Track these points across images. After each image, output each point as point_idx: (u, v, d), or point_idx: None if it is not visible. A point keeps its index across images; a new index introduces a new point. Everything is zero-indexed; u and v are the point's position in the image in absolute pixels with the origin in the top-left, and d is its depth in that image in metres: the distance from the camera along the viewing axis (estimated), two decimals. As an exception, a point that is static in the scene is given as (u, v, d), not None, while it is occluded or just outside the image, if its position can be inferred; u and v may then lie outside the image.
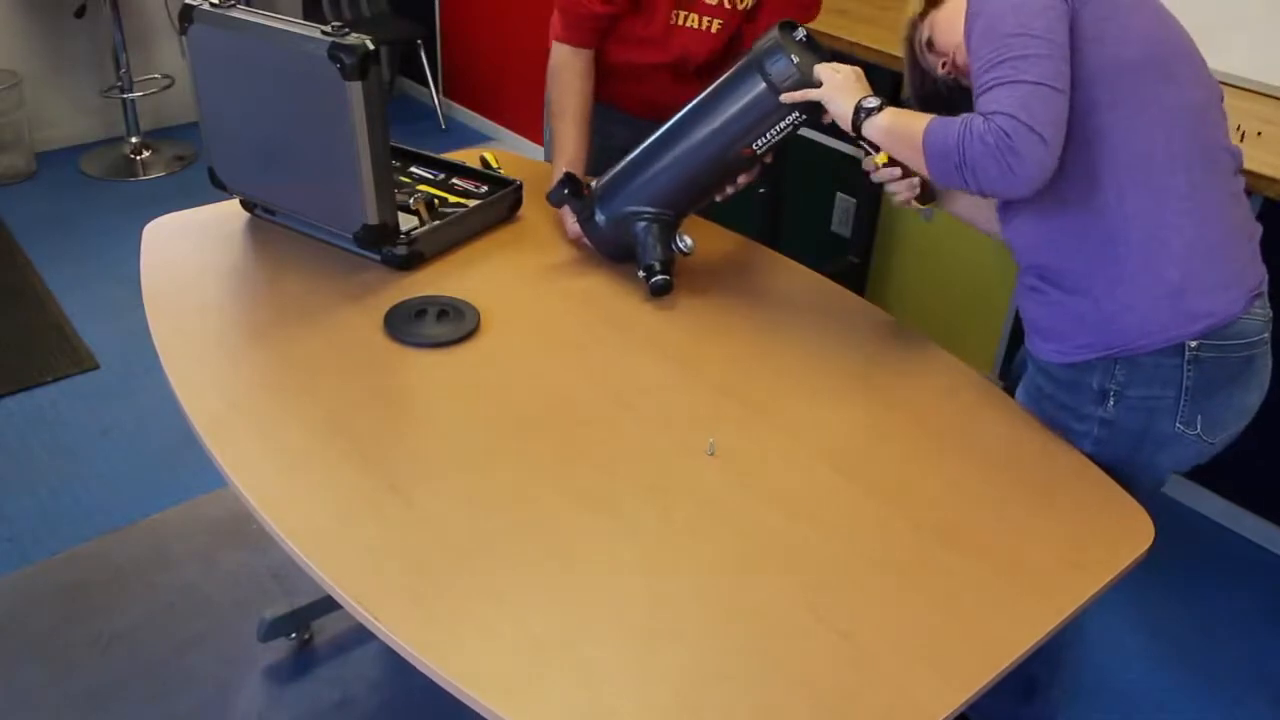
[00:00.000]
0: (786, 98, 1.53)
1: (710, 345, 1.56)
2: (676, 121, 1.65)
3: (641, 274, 1.65)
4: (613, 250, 1.72)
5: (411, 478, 1.26)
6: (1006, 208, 1.44)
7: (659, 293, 1.64)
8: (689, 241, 1.67)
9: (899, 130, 1.40)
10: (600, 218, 1.70)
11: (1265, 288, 1.39)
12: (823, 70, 1.51)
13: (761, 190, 3.04)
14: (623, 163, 1.71)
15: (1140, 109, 1.30)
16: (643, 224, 1.66)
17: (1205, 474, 2.58)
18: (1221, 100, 1.40)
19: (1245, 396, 1.38)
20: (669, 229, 1.67)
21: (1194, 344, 1.31)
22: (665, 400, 1.43)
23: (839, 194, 3.21)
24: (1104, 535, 1.25)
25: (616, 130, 2.03)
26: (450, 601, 1.10)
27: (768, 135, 1.58)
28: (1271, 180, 1.89)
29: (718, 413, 1.41)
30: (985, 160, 1.24)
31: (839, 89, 1.48)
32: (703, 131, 1.61)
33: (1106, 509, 1.29)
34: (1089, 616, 1.17)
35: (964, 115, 1.29)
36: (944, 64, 1.48)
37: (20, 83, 3.98)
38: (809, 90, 1.51)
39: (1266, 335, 1.37)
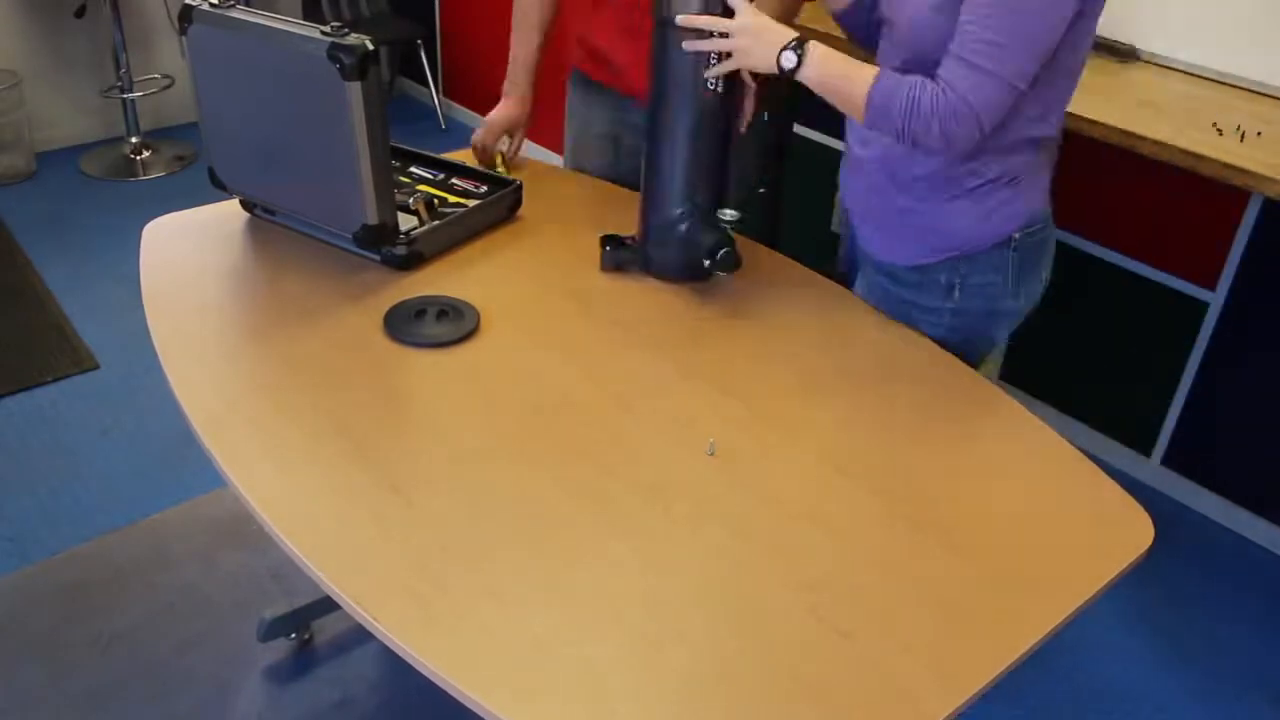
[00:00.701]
0: (682, 20, 1.50)
1: (710, 345, 1.55)
2: (647, 127, 1.64)
3: (706, 264, 1.64)
4: (684, 269, 1.70)
5: (411, 478, 1.26)
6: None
7: (728, 267, 1.63)
8: (731, 213, 1.67)
9: (832, 88, 1.45)
10: (652, 254, 1.70)
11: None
12: (723, 22, 1.49)
13: (761, 190, 3.04)
14: (639, 199, 1.71)
15: (1071, 64, 1.45)
16: (682, 226, 1.65)
17: (1205, 474, 2.58)
18: None
19: (1046, 271, 1.64)
20: (708, 213, 1.66)
21: (1016, 235, 1.55)
22: (665, 400, 1.43)
23: (839, 194, 3.20)
24: (1104, 535, 1.25)
25: (595, 115, 2.06)
26: (450, 601, 1.10)
27: (708, 64, 1.54)
28: (1271, 180, 1.89)
29: (718, 412, 1.41)
30: (924, 135, 1.39)
31: (750, 42, 1.47)
32: (664, 111, 1.60)
33: (1106, 509, 1.29)
34: (1088, 616, 1.16)
35: (911, 80, 1.38)
36: None
37: (20, 83, 3.98)
38: (718, 42, 1.50)
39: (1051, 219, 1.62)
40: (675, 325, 1.60)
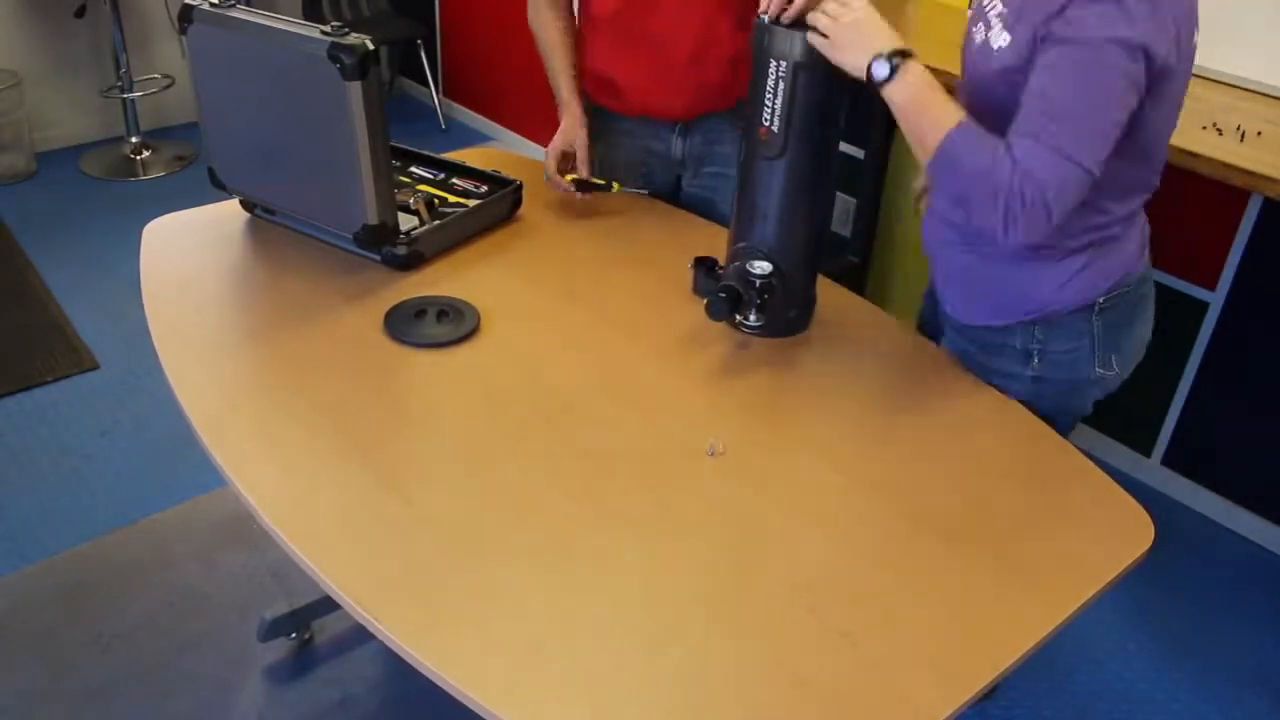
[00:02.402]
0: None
1: (710, 345, 1.55)
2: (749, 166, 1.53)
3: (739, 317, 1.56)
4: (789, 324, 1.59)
5: (411, 477, 1.26)
6: None
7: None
8: (763, 265, 1.55)
9: (913, 115, 1.30)
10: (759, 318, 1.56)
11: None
12: (820, 18, 1.35)
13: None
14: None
15: (1145, 142, 1.32)
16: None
17: (1205, 474, 2.58)
18: None
19: (1144, 329, 1.52)
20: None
21: (1101, 299, 1.42)
22: (665, 400, 1.43)
23: (839, 194, 3.21)
24: (1104, 535, 1.25)
25: (617, 143, 2.00)
26: (450, 602, 1.10)
27: (772, 98, 1.45)
28: (1271, 180, 1.89)
29: (717, 412, 1.41)
30: (988, 211, 1.24)
31: (852, 36, 1.33)
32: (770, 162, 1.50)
33: (1106, 509, 1.29)
34: (1088, 617, 1.16)
35: (994, 147, 1.23)
36: None
37: (20, 83, 3.98)
38: (812, 36, 1.37)
39: (1150, 269, 1.50)
40: (674, 325, 1.60)
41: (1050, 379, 1.47)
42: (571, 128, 1.92)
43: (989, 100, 1.32)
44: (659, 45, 1.83)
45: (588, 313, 1.61)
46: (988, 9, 1.37)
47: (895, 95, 1.30)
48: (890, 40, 1.31)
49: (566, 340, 1.54)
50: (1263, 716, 2.07)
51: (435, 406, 1.39)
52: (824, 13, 1.36)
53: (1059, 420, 1.47)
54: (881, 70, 1.30)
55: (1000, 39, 1.30)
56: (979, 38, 1.36)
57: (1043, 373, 1.47)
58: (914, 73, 1.30)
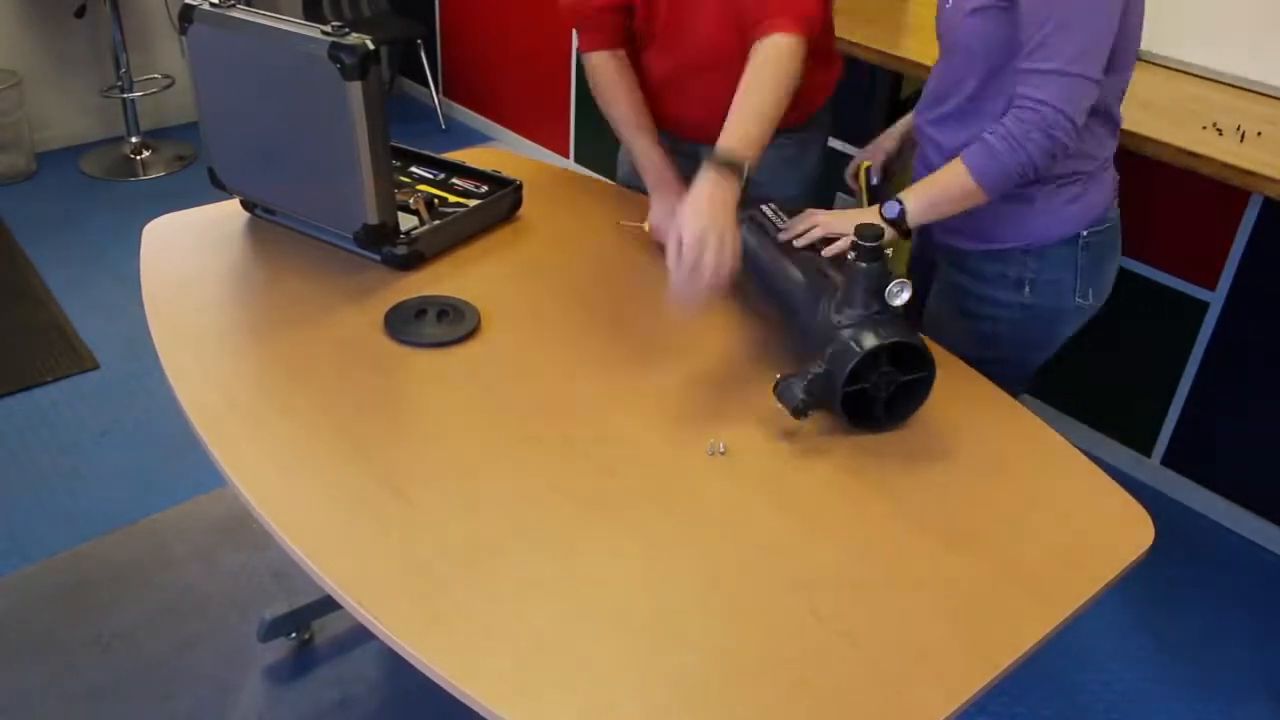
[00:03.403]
0: (797, 241, 1.55)
1: (710, 345, 1.55)
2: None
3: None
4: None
5: (411, 478, 1.26)
6: (964, 128, 1.58)
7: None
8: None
9: (939, 201, 1.51)
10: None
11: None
12: (802, 221, 1.56)
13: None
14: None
15: (1120, 68, 1.51)
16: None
17: (1205, 474, 2.58)
18: None
19: (1114, 265, 1.69)
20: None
21: (1084, 233, 1.60)
22: (665, 401, 1.43)
23: (839, 194, 3.21)
24: (1103, 535, 1.25)
25: (679, 167, 1.87)
26: (450, 601, 1.10)
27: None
28: (1271, 180, 1.89)
29: (718, 413, 1.41)
30: (1041, 157, 1.43)
31: (841, 219, 1.54)
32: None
33: (1106, 509, 1.29)
34: (1089, 616, 1.16)
35: (1000, 126, 1.44)
36: None
37: (20, 83, 3.98)
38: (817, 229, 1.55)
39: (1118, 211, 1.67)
40: (675, 325, 1.60)
41: (1037, 306, 1.64)
42: (671, 205, 1.68)
43: (970, 54, 1.51)
44: (712, 99, 1.71)
45: (587, 313, 1.61)
46: None
47: (914, 204, 1.52)
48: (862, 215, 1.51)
49: (566, 340, 1.54)
50: (1263, 716, 2.07)
51: (435, 406, 1.39)
52: (819, 225, 1.54)
53: (1041, 351, 1.70)
54: (891, 209, 1.53)
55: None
56: (949, 3, 1.56)
57: (1032, 301, 1.63)
58: (913, 194, 1.52)
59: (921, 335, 1.37)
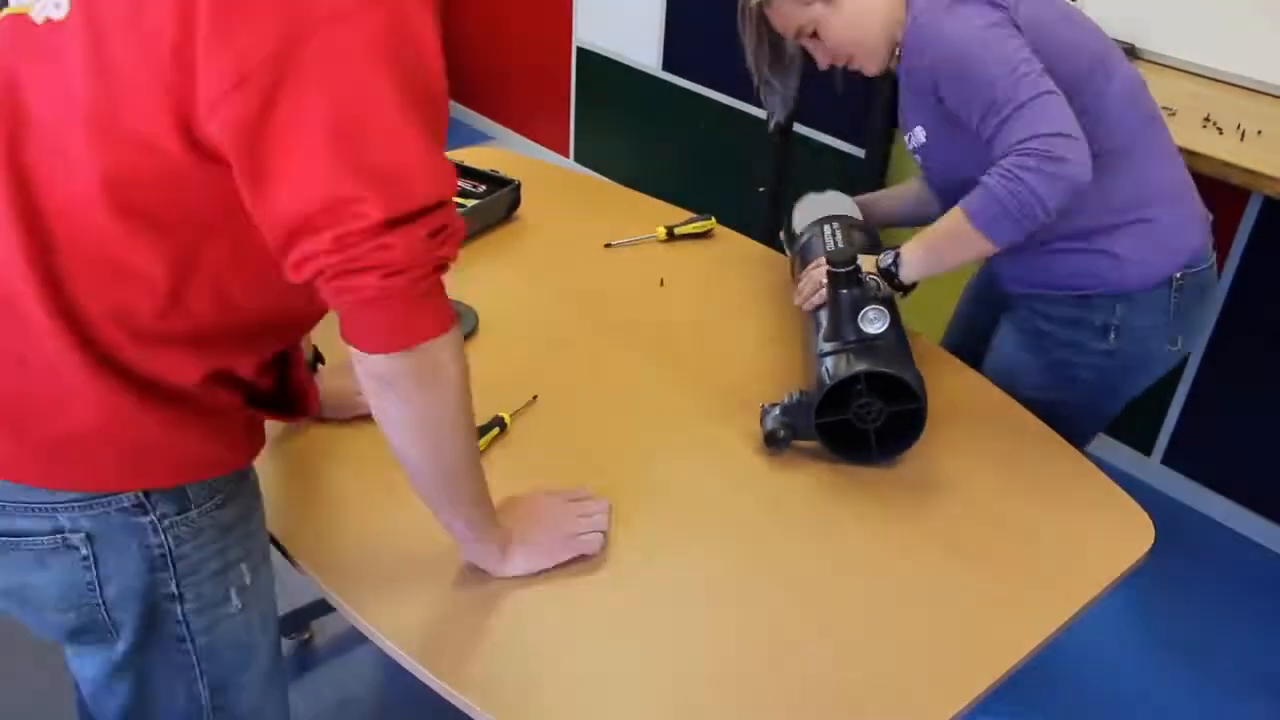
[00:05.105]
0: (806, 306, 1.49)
1: (711, 346, 1.55)
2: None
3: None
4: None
5: (408, 478, 1.25)
6: None
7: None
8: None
9: (938, 249, 1.42)
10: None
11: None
12: (806, 282, 1.48)
13: (762, 190, 3.04)
14: None
15: (1101, 110, 1.42)
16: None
17: (1205, 474, 2.58)
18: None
19: (1211, 308, 1.62)
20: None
21: (1179, 275, 1.49)
22: (665, 401, 1.43)
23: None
24: (1104, 537, 1.25)
25: None
26: (446, 606, 1.10)
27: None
28: (1272, 179, 1.89)
29: (718, 414, 1.40)
30: (1040, 187, 1.29)
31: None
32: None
33: (1106, 510, 1.29)
34: (1089, 617, 1.16)
35: (989, 176, 1.32)
36: (823, 53, 1.51)
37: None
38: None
39: (1214, 252, 1.58)
40: (675, 325, 1.60)
41: (1124, 353, 1.52)
42: None
43: (939, 164, 1.51)
44: None
45: (587, 312, 1.61)
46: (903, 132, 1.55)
47: (911, 255, 1.44)
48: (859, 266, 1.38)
49: (566, 340, 1.54)
50: (1264, 717, 2.07)
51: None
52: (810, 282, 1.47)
53: (1117, 397, 1.59)
54: (886, 258, 1.45)
55: (917, 138, 1.50)
56: (912, 144, 1.53)
57: (1118, 346, 1.51)
58: (909, 247, 1.44)
59: (917, 370, 1.31)
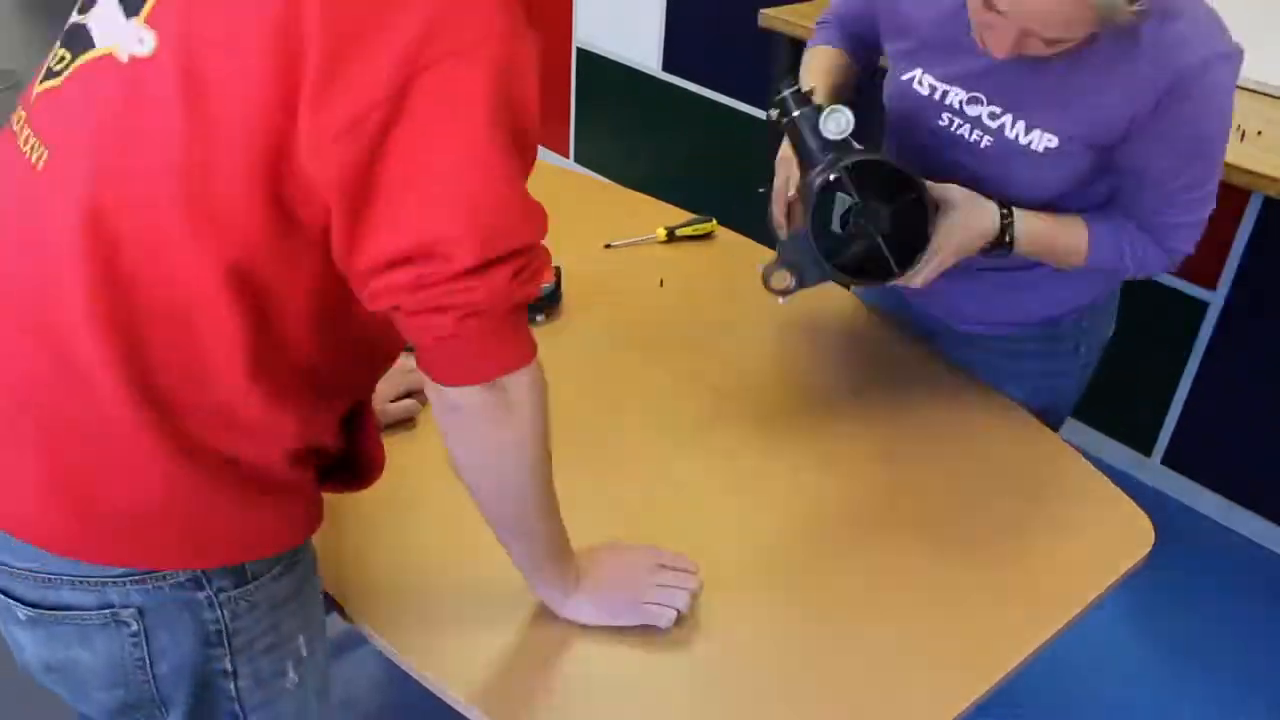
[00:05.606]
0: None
1: (711, 347, 1.55)
2: None
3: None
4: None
5: (408, 480, 1.25)
6: None
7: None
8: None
9: (1044, 246, 1.32)
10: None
11: None
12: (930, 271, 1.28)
13: (762, 190, 3.04)
14: None
15: None
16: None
17: (1205, 474, 2.57)
18: None
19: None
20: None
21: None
22: (664, 403, 1.42)
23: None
24: (1104, 539, 1.25)
25: None
26: (445, 608, 1.10)
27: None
28: (1272, 180, 1.89)
29: (717, 415, 1.40)
30: (1150, 271, 1.35)
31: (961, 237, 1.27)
32: None
33: (1106, 512, 1.29)
34: (1089, 617, 1.16)
35: (1127, 233, 1.30)
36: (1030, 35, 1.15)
37: (20, 83, 3.98)
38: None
39: None
40: (674, 326, 1.60)
41: (1091, 354, 1.56)
42: None
43: (1038, 192, 1.31)
44: None
45: (586, 313, 1.61)
46: (964, 108, 1.31)
47: (1026, 242, 1.30)
48: (986, 225, 1.26)
49: (564, 340, 1.54)
50: (1264, 716, 2.07)
51: (432, 407, 1.38)
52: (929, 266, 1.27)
53: (1070, 401, 1.60)
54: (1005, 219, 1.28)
55: (1042, 140, 1.26)
56: (1010, 137, 1.29)
57: (1089, 358, 1.55)
58: (1024, 218, 1.29)
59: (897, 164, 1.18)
